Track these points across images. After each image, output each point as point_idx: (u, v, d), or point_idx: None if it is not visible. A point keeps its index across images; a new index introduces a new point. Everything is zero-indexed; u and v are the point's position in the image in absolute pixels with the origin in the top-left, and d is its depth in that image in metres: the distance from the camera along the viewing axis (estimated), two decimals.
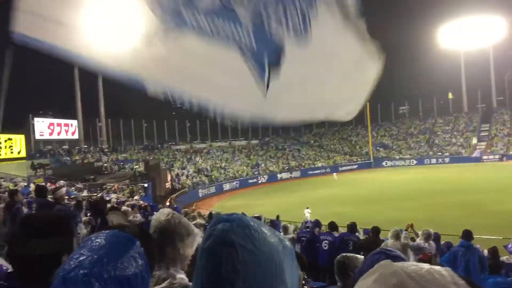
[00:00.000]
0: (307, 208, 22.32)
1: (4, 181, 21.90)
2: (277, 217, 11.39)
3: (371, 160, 58.58)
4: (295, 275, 0.93)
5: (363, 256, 3.31)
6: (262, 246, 0.86)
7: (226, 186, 44.57)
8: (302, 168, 54.18)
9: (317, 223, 10.49)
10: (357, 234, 9.54)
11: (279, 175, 50.73)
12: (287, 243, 0.93)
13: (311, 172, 53.00)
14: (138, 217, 9.59)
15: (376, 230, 8.31)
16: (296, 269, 0.94)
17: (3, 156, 32.80)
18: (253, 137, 64.54)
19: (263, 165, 53.23)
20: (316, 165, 55.75)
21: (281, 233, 9.22)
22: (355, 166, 56.65)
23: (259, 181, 48.21)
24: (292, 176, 51.33)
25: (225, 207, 29.12)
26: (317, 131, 70.87)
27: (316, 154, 60.53)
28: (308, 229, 10.37)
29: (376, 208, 24.52)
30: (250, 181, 47.66)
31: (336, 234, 9.53)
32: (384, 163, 57.67)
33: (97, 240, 1.05)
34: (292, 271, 0.91)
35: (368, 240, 8.35)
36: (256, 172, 50.60)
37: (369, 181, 41.65)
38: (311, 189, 37.71)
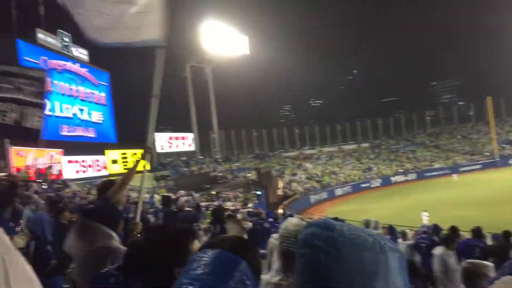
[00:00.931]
0: (425, 210, 21.07)
1: (132, 192, 23.93)
2: (391, 228, 10.87)
3: (496, 159, 53.69)
4: (399, 279, 0.88)
5: (492, 264, 3.07)
6: (347, 250, 0.84)
7: (338, 191, 43.97)
8: (418, 170, 51.48)
9: (435, 228, 9.84)
10: (483, 239, 8.79)
11: (393, 178, 48.78)
12: (387, 245, 0.88)
13: (428, 174, 50.08)
14: (249, 224, 9.86)
15: (507, 234, 7.60)
16: (401, 273, 0.89)
17: None
18: (363, 140, 62.91)
19: (375, 168, 51.60)
20: (434, 167, 52.59)
21: (387, 237, 8.80)
22: (478, 166, 52.28)
23: (372, 185, 46.80)
24: (408, 178, 48.99)
25: (337, 212, 28.69)
26: (432, 131, 66.91)
27: (433, 155, 57.08)
28: (426, 235, 9.79)
29: (503, 210, 22.33)
30: (362, 185, 46.48)
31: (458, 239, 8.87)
32: (511, 161, 52.53)
33: (202, 263, 1.06)
34: (394, 275, 0.87)
35: (498, 246, 7.66)
36: (368, 176, 49.22)
37: (494, 181, 38.14)
38: (428, 192, 35.63)
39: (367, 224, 8.79)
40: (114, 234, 2.55)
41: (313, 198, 40.19)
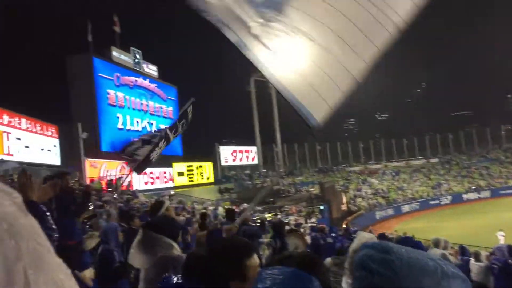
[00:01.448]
0: (500, 230, 19.82)
1: (197, 204, 24.50)
2: (462, 248, 10.32)
3: None
4: None
5: None
6: (404, 274, 0.80)
7: (405, 208, 42.43)
8: (492, 187, 48.57)
9: (511, 249, 9.19)
10: None
11: (464, 196, 46.35)
12: (449, 270, 0.83)
13: (503, 192, 47.05)
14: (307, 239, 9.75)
15: None
16: None
17: (195, 182, 36.83)
18: (432, 155, 60.40)
19: (445, 185, 49.31)
20: (510, 184, 49.38)
21: (450, 259, 8.33)
22: None
23: (442, 202, 44.73)
24: (481, 196, 46.33)
25: (404, 230, 27.65)
26: (508, 146, 62.98)
27: (509, 172, 53.64)
28: (501, 256, 9.15)
29: None
30: (431, 202, 44.56)
31: None
32: None
33: (276, 281, 1.05)
34: None
35: None
36: (437, 193, 47.12)
37: None
38: (504, 211, 33.43)
39: (436, 243, 8.40)
40: (175, 244, 2.66)
41: (378, 214, 39.07)
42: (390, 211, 40.74)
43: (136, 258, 2.68)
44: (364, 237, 2.12)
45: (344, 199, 37.79)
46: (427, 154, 60.89)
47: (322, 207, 30.95)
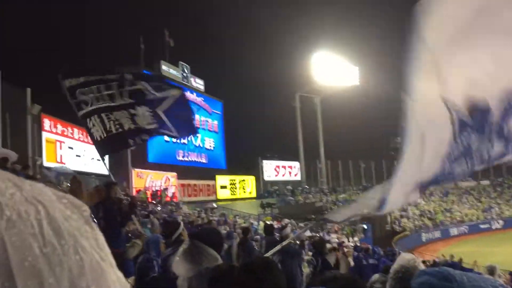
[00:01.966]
0: None
1: (239, 218, 24.61)
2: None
3: None
4: None
5: None
6: None
7: (453, 231, 40.84)
8: None
9: None
10: None
11: None
12: None
13: None
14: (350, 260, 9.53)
15: None
16: None
17: (237, 196, 37.01)
18: (483, 177, 57.97)
19: (496, 208, 47.12)
20: None
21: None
22: None
23: (493, 227, 42.75)
24: None
25: (451, 254, 26.61)
26: None
27: None
28: None
29: None
30: (481, 226, 42.67)
31: None
32: None
33: None
34: None
35: None
36: (488, 217, 45.10)
37: None
38: None
39: (491, 271, 8.03)
40: (218, 256, 2.69)
41: (425, 236, 37.80)
42: (437, 234, 39.32)
43: (181, 267, 2.72)
44: (404, 258, 2.08)
45: (389, 219, 36.83)
46: (478, 175, 58.54)
47: (365, 226, 30.29)
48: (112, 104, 5.18)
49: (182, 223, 4.45)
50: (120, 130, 5.39)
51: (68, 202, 0.56)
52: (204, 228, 3.95)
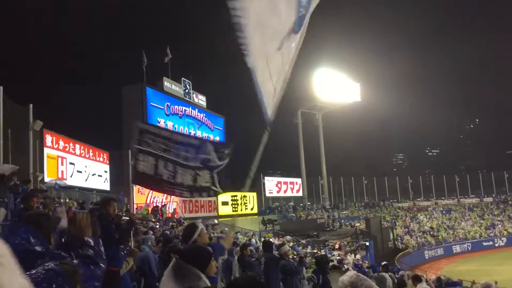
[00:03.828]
0: None
1: (240, 234, 24.45)
2: None
3: None
4: None
5: None
6: None
7: (456, 248, 40.51)
8: None
9: None
10: None
11: None
12: None
13: None
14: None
15: None
16: None
17: (239, 212, 36.85)
18: (486, 194, 57.66)
19: (500, 226, 46.77)
20: None
21: None
22: None
23: (496, 244, 42.41)
24: None
25: (456, 272, 26.33)
26: None
27: None
28: None
29: None
30: (484, 243, 42.33)
31: None
32: None
33: None
34: None
35: None
36: (491, 234, 44.74)
37: None
38: None
39: None
40: (202, 275, 2.66)
41: (427, 253, 37.48)
42: (440, 251, 38.99)
43: (166, 286, 2.72)
44: (348, 274, 2.15)
45: (391, 236, 36.56)
46: (480, 192, 58.24)
47: (367, 243, 30.04)
48: (179, 161, 5.74)
49: (201, 226, 4.35)
50: (172, 181, 5.82)
51: None
52: (188, 245, 3.90)
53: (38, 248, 2.87)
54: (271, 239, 20.30)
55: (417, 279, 9.22)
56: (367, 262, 20.09)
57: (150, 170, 5.72)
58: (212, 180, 6.24)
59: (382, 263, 14.33)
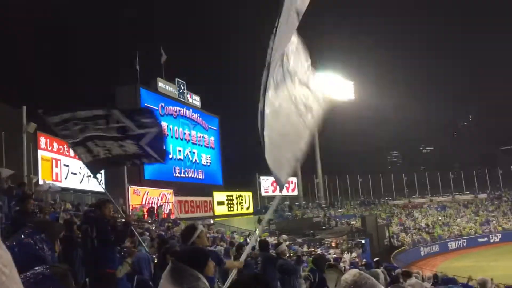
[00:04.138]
0: None
1: (236, 234, 24.45)
2: None
3: None
4: None
5: None
6: None
7: (452, 245, 40.72)
8: None
9: None
10: None
11: None
12: None
13: None
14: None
15: None
16: None
17: (235, 212, 36.84)
18: (480, 191, 58.00)
19: (494, 222, 47.06)
20: None
21: None
22: None
23: (491, 240, 42.66)
24: None
25: (451, 268, 26.44)
26: None
27: None
28: None
29: None
30: (479, 239, 42.59)
31: None
32: None
33: None
34: None
35: None
36: (486, 230, 45.01)
37: None
38: None
39: (483, 284, 8.01)
40: (201, 276, 2.66)
41: (423, 250, 37.64)
42: (436, 248, 39.18)
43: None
44: (351, 273, 2.15)
45: (387, 234, 36.69)
46: (475, 189, 58.58)
47: (363, 241, 30.13)
48: (99, 134, 5.81)
49: (200, 227, 4.37)
50: (109, 155, 6.09)
51: None
52: (186, 247, 3.90)
53: (48, 257, 2.90)
54: (267, 238, 20.32)
55: (406, 274, 9.27)
56: (364, 260, 20.14)
57: (90, 157, 6.21)
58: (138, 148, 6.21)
59: (374, 259, 14.41)
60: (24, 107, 19.20)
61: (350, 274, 2.18)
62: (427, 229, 43.80)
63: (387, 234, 36.48)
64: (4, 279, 0.56)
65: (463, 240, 41.84)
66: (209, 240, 15.40)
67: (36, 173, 19.16)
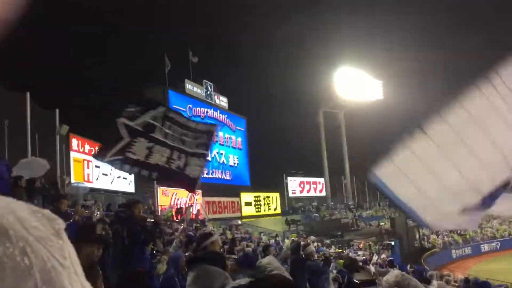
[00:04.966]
0: None
1: (264, 235, 24.46)
2: None
3: None
4: None
5: None
6: None
7: (484, 247, 39.67)
8: None
9: None
10: None
11: None
12: None
13: None
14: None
15: None
16: None
17: (262, 212, 36.86)
18: None
19: None
20: None
21: None
22: None
23: None
24: None
25: (484, 271, 25.76)
26: None
27: None
28: None
29: None
30: None
31: None
32: None
33: None
34: None
35: None
36: None
37: None
38: None
39: None
40: (227, 274, 2.70)
41: (455, 253, 36.82)
42: (468, 250, 38.24)
43: None
44: (393, 274, 2.13)
45: (417, 235, 36.02)
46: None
47: (393, 243, 29.70)
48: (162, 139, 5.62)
49: (216, 236, 4.41)
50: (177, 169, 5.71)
51: (42, 215, 0.63)
52: (206, 252, 3.92)
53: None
54: (294, 239, 20.26)
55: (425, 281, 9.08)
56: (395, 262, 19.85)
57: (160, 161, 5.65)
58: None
59: (388, 259, 14.21)
60: (57, 110, 19.71)
61: (392, 275, 2.17)
62: (459, 231, 42.80)
63: (417, 236, 35.82)
64: (61, 270, 0.60)
65: (497, 243, 40.70)
66: (236, 240, 15.47)
67: (69, 174, 19.63)
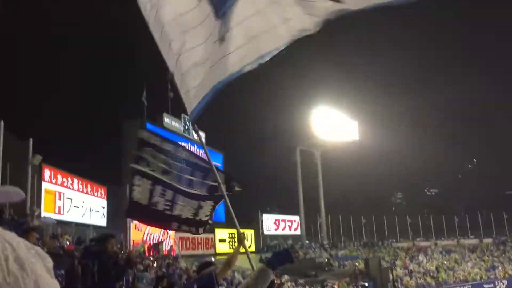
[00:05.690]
0: None
1: (237, 273, 24.05)
2: None
3: None
4: None
5: None
6: None
7: None
8: None
9: None
10: None
11: None
12: None
13: None
14: None
15: None
16: None
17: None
18: (486, 235, 57.11)
19: (500, 268, 46.08)
20: None
21: None
22: None
23: (497, 287, 41.69)
24: None
25: None
26: None
27: None
28: None
29: None
30: (485, 286, 41.63)
31: None
32: None
33: None
34: None
35: None
36: (492, 276, 44.02)
37: None
38: None
39: None
40: None
41: None
42: None
43: None
44: None
45: (391, 277, 35.92)
46: (480, 233, 57.70)
47: (366, 284, 29.54)
48: (179, 187, 4.93)
49: (214, 267, 4.35)
50: (168, 213, 4.97)
51: (36, 252, 0.65)
52: (200, 282, 3.91)
53: None
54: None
55: None
56: None
57: (145, 199, 4.86)
58: (211, 212, 5.36)
59: None
60: (31, 139, 19.38)
61: None
62: (432, 274, 42.92)
63: (391, 278, 35.71)
64: None
65: (469, 286, 40.92)
66: None
67: (39, 206, 19.13)
